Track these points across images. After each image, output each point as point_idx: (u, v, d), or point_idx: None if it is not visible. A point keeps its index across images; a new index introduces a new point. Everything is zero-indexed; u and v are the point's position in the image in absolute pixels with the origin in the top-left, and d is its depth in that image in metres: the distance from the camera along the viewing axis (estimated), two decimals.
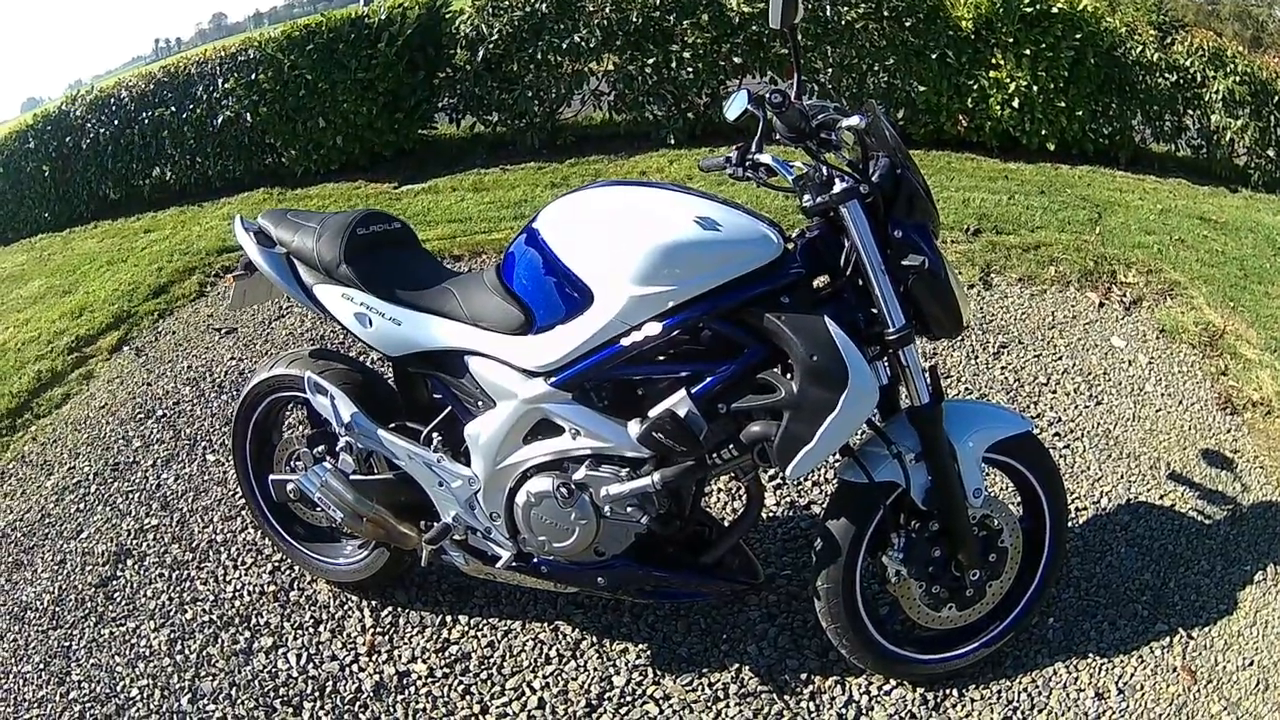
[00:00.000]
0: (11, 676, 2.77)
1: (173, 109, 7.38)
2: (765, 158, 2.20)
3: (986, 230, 5.20)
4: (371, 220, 2.59)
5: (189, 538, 3.24)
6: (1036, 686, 2.57)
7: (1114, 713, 2.50)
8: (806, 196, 2.17)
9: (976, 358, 4.05)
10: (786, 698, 2.55)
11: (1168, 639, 2.70)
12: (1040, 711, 2.50)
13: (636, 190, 2.31)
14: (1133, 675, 2.59)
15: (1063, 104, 6.66)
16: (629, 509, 2.32)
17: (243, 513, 3.29)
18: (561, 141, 7.40)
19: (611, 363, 2.21)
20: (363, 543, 2.83)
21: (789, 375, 2.16)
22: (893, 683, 2.57)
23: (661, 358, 2.24)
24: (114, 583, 3.08)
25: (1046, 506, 2.55)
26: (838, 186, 2.14)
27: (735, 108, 2.21)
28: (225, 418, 3.88)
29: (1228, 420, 3.64)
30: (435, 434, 2.51)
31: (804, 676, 2.61)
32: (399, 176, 7.08)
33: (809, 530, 3.04)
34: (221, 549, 3.17)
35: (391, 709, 2.58)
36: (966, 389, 3.86)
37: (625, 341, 2.17)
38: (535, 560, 2.50)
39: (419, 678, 2.67)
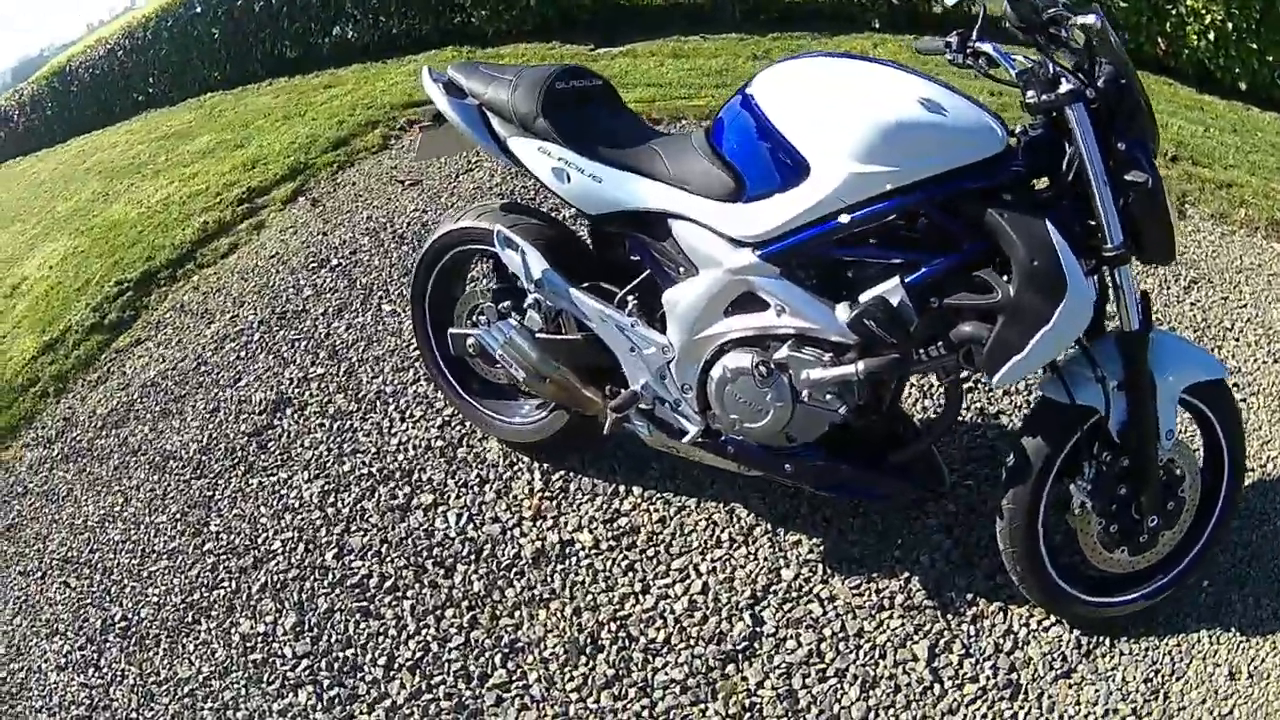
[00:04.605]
0: (143, 527, 2.79)
1: None
2: (987, 46, 2.08)
3: (1184, 159, 4.88)
4: (571, 75, 2.51)
5: (356, 388, 3.22)
6: (1181, 652, 2.42)
7: (1240, 697, 2.33)
8: (1030, 92, 2.04)
9: (1168, 289, 3.80)
10: (949, 617, 2.47)
11: None
12: (1179, 679, 2.37)
13: (860, 64, 2.20)
14: (1264, 661, 2.41)
15: (1255, 45, 6.23)
16: (828, 396, 2.24)
17: (416, 364, 3.25)
18: (764, 16, 7.17)
19: (824, 240, 2.12)
20: (541, 403, 2.79)
21: (1006, 277, 2.04)
22: (1051, 619, 2.46)
23: (875, 241, 2.14)
24: (269, 432, 3.08)
25: (1228, 460, 2.41)
26: (1064, 86, 1.99)
27: None
28: (404, 269, 3.80)
29: None
30: (631, 297, 2.45)
31: (969, 597, 2.51)
32: (594, 39, 6.97)
33: (995, 441, 2.91)
34: (390, 400, 3.15)
35: (548, 579, 2.56)
36: (1157, 320, 3.61)
37: (842, 219, 2.08)
38: (722, 439, 2.44)
39: (583, 548, 2.64)
